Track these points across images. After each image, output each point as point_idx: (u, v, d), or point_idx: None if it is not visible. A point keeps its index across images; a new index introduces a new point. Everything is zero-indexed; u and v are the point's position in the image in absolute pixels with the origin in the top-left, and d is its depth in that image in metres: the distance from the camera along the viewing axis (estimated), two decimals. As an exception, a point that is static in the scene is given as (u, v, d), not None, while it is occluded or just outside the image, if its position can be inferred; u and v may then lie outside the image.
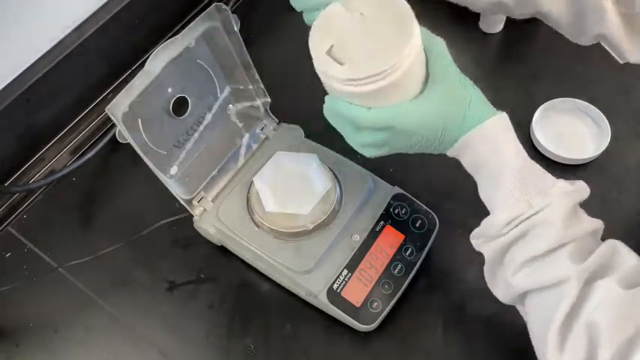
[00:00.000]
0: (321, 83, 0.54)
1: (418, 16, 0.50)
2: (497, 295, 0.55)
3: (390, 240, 0.67)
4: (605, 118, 0.75)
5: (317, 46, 0.50)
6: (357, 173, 0.71)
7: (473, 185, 0.74)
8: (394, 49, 0.48)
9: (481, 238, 0.54)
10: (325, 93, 0.55)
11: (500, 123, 0.52)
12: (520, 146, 0.53)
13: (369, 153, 0.56)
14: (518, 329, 0.65)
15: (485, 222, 0.53)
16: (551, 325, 0.47)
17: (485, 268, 0.55)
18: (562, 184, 0.51)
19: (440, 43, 0.53)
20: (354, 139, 0.56)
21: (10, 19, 0.71)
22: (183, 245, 0.74)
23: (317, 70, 0.51)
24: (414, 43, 0.49)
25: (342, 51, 0.49)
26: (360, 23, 0.50)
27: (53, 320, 0.69)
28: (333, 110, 0.55)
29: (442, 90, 0.52)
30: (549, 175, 0.52)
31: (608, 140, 0.74)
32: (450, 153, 0.54)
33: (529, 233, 0.50)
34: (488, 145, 0.52)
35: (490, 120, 0.51)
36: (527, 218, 0.49)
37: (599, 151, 0.73)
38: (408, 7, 0.49)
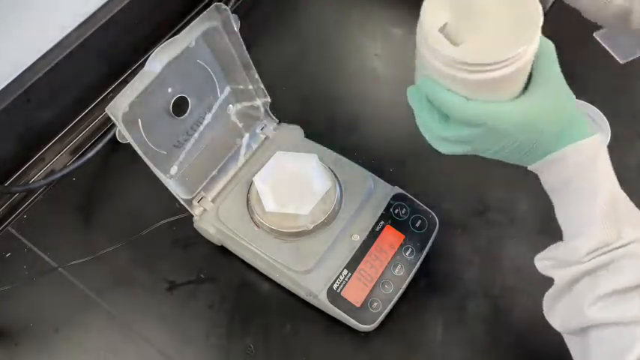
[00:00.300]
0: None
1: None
2: (553, 322, 0.52)
3: (390, 240, 0.67)
4: (605, 118, 0.75)
5: (429, 20, 0.46)
6: (357, 173, 0.71)
7: (473, 185, 0.74)
8: (516, 39, 0.44)
9: (552, 261, 0.50)
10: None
11: (597, 144, 0.48)
12: (613, 173, 0.49)
13: (445, 149, 0.51)
14: (518, 329, 0.65)
15: (562, 245, 0.50)
16: None
17: (549, 294, 0.51)
18: None
19: (550, 45, 0.49)
20: (435, 129, 0.50)
21: (10, 19, 0.71)
22: (183, 245, 0.74)
23: (421, 46, 0.47)
24: (538, 37, 0.45)
25: (457, 32, 0.45)
26: (481, 5, 0.46)
27: (53, 320, 0.69)
28: (424, 92, 0.49)
29: (548, 95, 0.47)
30: (637, 209, 0.49)
31: (608, 140, 0.74)
32: (532, 167, 0.51)
33: (613, 264, 0.46)
34: (581, 165, 0.48)
35: (589, 139, 0.48)
36: (615, 249, 0.46)
37: None
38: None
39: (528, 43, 0.45)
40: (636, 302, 0.45)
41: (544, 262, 0.51)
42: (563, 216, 0.50)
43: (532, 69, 0.48)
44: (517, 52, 0.44)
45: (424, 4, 0.47)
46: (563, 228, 0.50)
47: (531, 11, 0.45)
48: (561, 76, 0.49)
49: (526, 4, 0.45)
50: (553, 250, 0.50)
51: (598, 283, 0.46)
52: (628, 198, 0.49)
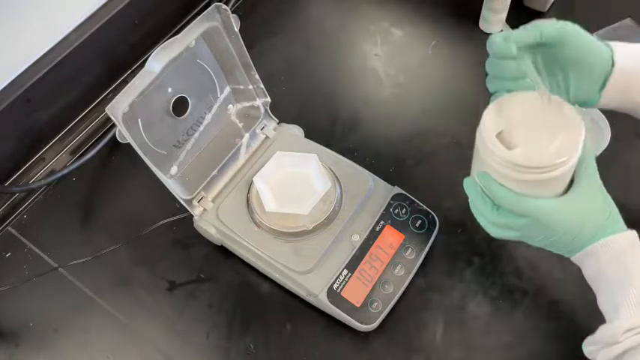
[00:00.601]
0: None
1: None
2: None
3: (390, 240, 0.67)
4: (604, 118, 0.75)
5: (488, 126, 0.54)
6: (357, 173, 0.71)
7: (473, 185, 0.74)
8: (563, 148, 0.52)
9: (597, 345, 0.55)
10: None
11: (630, 238, 0.54)
12: None
13: (495, 233, 0.58)
14: (517, 329, 0.65)
15: (603, 329, 0.54)
16: None
17: None
18: None
19: (592, 156, 0.55)
20: (488, 216, 0.57)
21: (11, 19, 0.71)
22: (183, 245, 0.74)
23: (480, 147, 0.55)
24: (580, 147, 0.53)
25: (511, 137, 0.53)
26: (533, 117, 0.54)
27: (53, 320, 0.69)
28: (480, 184, 0.57)
29: (588, 196, 0.55)
30: None
31: (608, 140, 0.74)
32: (574, 258, 0.57)
33: None
34: (615, 256, 0.54)
35: (621, 234, 0.54)
36: None
37: (599, 151, 0.73)
38: (575, 111, 0.54)
39: (572, 153, 0.52)
40: None
41: (590, 347, 0.56)
42: (603, 303, 0.55)
43: (575, 172, 0.55)
44: (563, 159, 0.52)
45: (484, 112, 0.55)
46: (604, 313, 0.55)
47: (575, 125, 0.53)
48: (599, 181, 0.56)
49: (571, 119, 0.53)
50: (596, 336, 0.55)
51: (626, 352, 0.51)
52: None
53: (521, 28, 0.55)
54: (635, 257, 0.54)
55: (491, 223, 0.58)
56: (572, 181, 0.56)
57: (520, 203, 0.54)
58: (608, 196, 0.56)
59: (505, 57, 0.55)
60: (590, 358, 0.56)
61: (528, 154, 0.52)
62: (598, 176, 0.56)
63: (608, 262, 0.54)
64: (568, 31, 0.55)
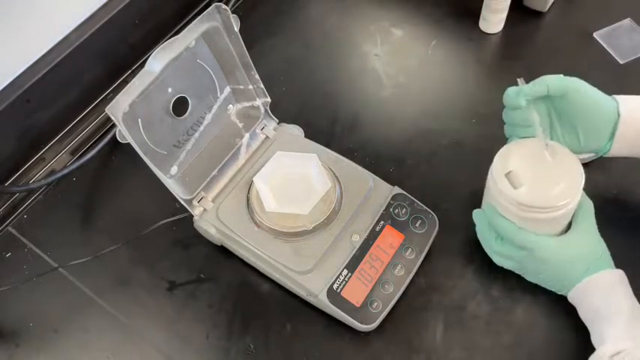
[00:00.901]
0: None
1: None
2: None
3: (390, 240, 0.67)
4: None
5: (498, 166, 0.62)
6: (357, 173, 0.71)
7: (472, 185, 0.74)
8: (564, 192, 0.59)
9: None
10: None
11: (616, 276, 0.60)
12: (632, 294, 0.59)
13: (498, 260, 0.66)
14: (517, 329, 0.65)
15: (594, 355, 0.58)
16: None
17: None
18: None
19: (590, 203, 0.64)
20: (492, 245, 0.65)
21: (11, 19, 0.71)
22: (183, 245, 0.74)
23: (490, 184, 0.63)
24: (580, 194, 0.60)
25: (518, 177, 0.60)
26: (538, 161, 0.61)
27: (53, 320, 0.69)
28: (487, 217, 0.64)
29: (583, 238, 0.62)
30: None
31: None
32: (570, 297, 0.62)
33: None
34: (604, 291, 0.60)
35: (610, 271, 0.60)
36: (633, 350, 0.55)
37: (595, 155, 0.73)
38: (576, 159, 0.61)
39: (572, 197, 0.59)
40: None
41: None
42: (595, 338, 0.59)
43: (573, 215, 0.62)
44: (563, 202, 0.59)
45: (497, 154, 0.63)
46: (595, 346, 0.59)
47: (575, 172, 0.60)
48: (595, 226, 0.63)
49: (572, 166, 0.61)
50: None
51: None
52: None
53: (532, 83, 0.62)
54: (623, 292, 0.59)
55: (495, 251, 0.65)
56: (570, 225, 0.63)
57: (520, 236, 0.61)
58: (602, 240, 0.62)
59: (516, 108, 0.62)
60: None
61: (532, 194, 0.59)
62: (594, 220, 0.63)
63: (598, 297, 0.60)
64: (572, 86, 0.61)
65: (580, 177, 0.60)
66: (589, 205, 0.63)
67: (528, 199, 0.59)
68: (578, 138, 0.63)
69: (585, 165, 0.75)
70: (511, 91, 0.62)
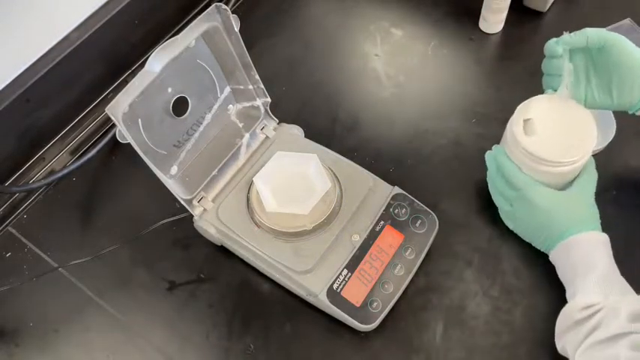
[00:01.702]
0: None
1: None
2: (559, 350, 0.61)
3: (390, 240, 0.67)
4: (611, 111, 0.74)
5: (517, 115, 0.65)
6: (357, 173, 0.71)
7: (473, 185, 0.74)
8: (568, 151, 0.62)
9: (562, 336, 0.59)
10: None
11: (600, 238, 0.62)
12: (611, 254, 0.61)
13: (495, 198, 0.70)
14: (516, 329, 0.65)
15: (561, 315, 0.60)
16: None
17: (556, 333, 0.61)
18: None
19: (595, 173, 0.66)
20: (494, 181, 0.69)
21: (10, 19, 0.71)
22: (183, 245, 0.74)
23: (507, 128, 0.66)
24: (583, 159, 0.63)
25: (533, 127, 0.64)
26: (557, 118, 0.64)
27: (53, 320, 0.69)
28: (496, 156, 0.68)
29: (576, 197, 0.64)
30: (630, 289, 0.59)
31: (614, 133, 0.73)
32: (552, 256, 0.65)
33: (597, 318, 0.56)
34: (585, 250, 0.61)
35: (592, 232, 0.62)
36: (602, 309, 0.56)
37: (606, 143, 0.73)
38: (593, 121, 0.64)
39: (574, 159, 0.62)
40: (612, 350, 0.53)
41: (559, 342, 0.60)
42: (570, 293, 0.61)
43: (575, 180, 0.65)
44: (565, 160, 0.62)
45: (524, 102, 0.66)
46: (568, 298, 0.61)
47: (588, 137, 0.63)
48: (592, 193, 0.65)
49: (587, 127, 0.64)
50: (557, 327, 0.60)
51: (582, 331, 0.56)
52: (624, 280, 0.60)
53: (573, 33, 0.63)
54: (603, 252, 0.61)
55: (495, 188, 0.68)
56: (570, 184, 0.65)
57: (518, 177, 0.64)
58: (595, 206, 0.64)
59: (553, 56, 0.64)
60: (563, 354, 0.60)
61: (539, 145, 0.62)
62: (593, 188, 0.65)
63: (578, 255, 0.61)
64: (610, 39, 0.62)
65: (589, 143, 0.62)
66: (593, 174, 0.66)
67: (534, 148, 0.62)
68: (612, 93, 0.64)
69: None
70: (552, 40, 0.64)
